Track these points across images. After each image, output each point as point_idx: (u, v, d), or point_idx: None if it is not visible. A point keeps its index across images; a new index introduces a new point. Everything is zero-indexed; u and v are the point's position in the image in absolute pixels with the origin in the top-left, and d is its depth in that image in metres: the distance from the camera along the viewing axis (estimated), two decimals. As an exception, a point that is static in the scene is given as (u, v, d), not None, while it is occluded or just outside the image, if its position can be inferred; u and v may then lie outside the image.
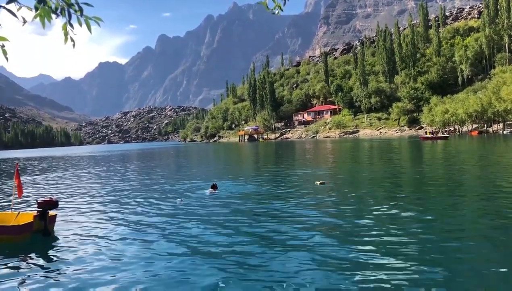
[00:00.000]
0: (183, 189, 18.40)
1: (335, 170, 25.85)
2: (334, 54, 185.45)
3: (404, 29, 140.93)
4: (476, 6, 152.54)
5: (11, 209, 12.61)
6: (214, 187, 17.30)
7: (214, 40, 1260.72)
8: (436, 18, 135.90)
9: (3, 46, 3.69)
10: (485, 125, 79.35)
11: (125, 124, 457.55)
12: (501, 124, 75.26)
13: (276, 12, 4.93)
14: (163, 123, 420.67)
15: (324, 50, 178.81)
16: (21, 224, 9.95)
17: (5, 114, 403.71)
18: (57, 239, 10.14)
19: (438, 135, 63.79)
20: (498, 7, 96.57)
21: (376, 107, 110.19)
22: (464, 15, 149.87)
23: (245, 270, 7.14)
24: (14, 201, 14.24)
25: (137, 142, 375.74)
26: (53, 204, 10.46)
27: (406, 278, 6.41)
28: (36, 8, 3.67)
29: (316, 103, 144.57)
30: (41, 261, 8.56)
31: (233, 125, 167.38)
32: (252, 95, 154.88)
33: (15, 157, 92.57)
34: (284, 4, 4.81)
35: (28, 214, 10.85)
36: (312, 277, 6.66)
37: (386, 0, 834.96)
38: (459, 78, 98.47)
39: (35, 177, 30.60)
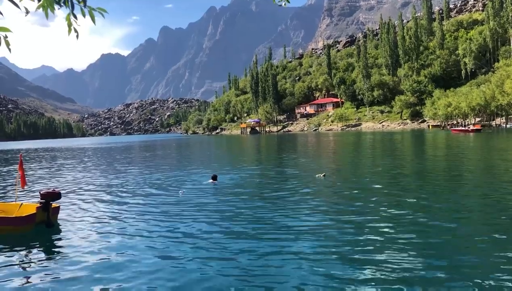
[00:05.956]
0: (185, 181, 18.44)
1: (339, 163, 25.82)
2: (337, 47, 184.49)
3: (408, 21, 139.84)
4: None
5: (14, 199, 12.67)
6: (214, 178, 17.40)
7: (217, 32, 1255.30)
8: (440, 11, 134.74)
9: (6, 37, 3.67)
10: (490, 119, 78.92)
11: (127, 116, 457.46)
12: (504, 118, 74.90)
13: (283, 3, 4.88)
14: (165, 116, 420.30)
15: (327, 43, 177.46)
16: (24, 215, 9.99)
17: (7, 106, 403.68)
18: (60, 230, 10.18)
19: (471, 128, 61.35)
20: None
21: (379, 101, 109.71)
22: (469, 8, 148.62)
23: (245, 263, 7.17)
24: (18, 192, 14.29)
25: (139, 134, 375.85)
26: (56, 196, 10.48)
27: (407, 274, 6.42)
28: (39, -2, 3.65)
29: (318, 96, 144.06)
30: (44, 252, 8.60)
31: (235, 118, 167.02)
32: (255, 88, 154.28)
33: (18, 148, 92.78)
34: (292, -5, 4.76)
35: (31, 205, 10.89)
36: (311, 271, 6.68)
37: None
38: (462, 72, 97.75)
39: (38, 168, 30.68)
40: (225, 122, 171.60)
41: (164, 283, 6.43)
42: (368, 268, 6.58)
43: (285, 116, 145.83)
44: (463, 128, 63.07)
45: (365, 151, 35.98)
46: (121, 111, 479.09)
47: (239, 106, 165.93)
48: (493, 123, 76.60)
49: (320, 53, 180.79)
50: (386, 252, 7.28)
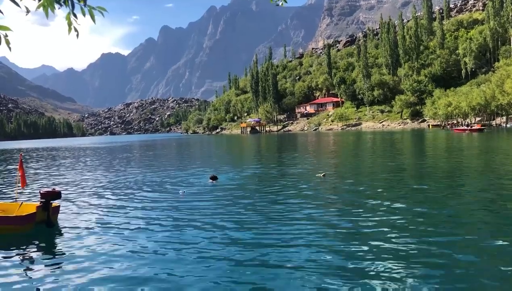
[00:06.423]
0: (186, 180, 18.43)
1: (339, 162, 25.80)
2: (337, 46, 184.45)
3: (408, 21, 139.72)
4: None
5: (14, 199, 12.67)
6: (214, 178, 17.48)
7: (217, 31, 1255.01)
8: (440, 10, 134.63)
9: (6, 36, 3.67)
10: (490, 118, 78.84)
11: (127, 115, 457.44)
12: (504, 117, 74.84)
13: (280, 3, 4.90)
14: (166, 115, 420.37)
15: (327, 42, 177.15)
16: (24, 214, 9.98)
17: (7, 105, 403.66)
18: (60, 229, 10.18)
19: (473, 127, 60.71)
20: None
21: (379, 100, 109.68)
22: (469, 7, 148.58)
23: (243, 264, 7.16)
24: (18, 191, 14.29)
25: (139, 133, 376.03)
26: (56, 195, 10.47)
27: (407, 275, 6.42)
28: (38, -2, 3.64)
29: (318, 95, 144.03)
30: (44, 252, 8.60)
31: (236, 118, 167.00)
32: (255, 87, 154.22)
33: (18, 147, 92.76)
34: (289, -5, 4.77)
35: (31, 205, 10.88)
36: (309, 271, 6.68)
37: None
38: (462, 71, 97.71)
39: (39, 167, 30.69)
40: (225, 122, 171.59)
41: (163, 283, 6.43)
42: (368, 268, 6.57)
43: (285, 115, 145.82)
44: (466, 127, 62.60)
45: (365, 150, 35.96)
46: (121, 111, 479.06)
47: (239, 106, 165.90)
48: (493, 123, 76.55)
49: (320, 52, 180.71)
50: (386, 252, 7.27)
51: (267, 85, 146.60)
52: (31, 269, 7.42)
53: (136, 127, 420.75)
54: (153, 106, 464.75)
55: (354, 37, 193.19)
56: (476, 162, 21.98)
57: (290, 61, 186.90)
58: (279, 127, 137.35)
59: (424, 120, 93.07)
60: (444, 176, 17.09)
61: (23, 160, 11.42)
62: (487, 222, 9.16)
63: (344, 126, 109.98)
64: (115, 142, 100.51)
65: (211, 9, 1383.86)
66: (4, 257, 8.11)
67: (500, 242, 7.53)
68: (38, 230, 9.92)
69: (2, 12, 3.80)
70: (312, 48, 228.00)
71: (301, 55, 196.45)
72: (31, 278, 7.00)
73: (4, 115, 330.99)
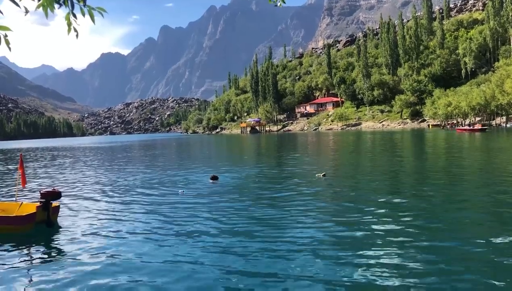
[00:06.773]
0: (185, 180, 18.42)
1: (339, 162, 25.80)
2: (337, 46, 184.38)
3: (408, 21, 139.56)
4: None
5: (14, 199, 12.67)
6: (214, 178, 17.49)
7: (217, 31, 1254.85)
8: (440, 10, 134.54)
9: (5, 36, 3.66)
10: (490, 118, 78.79)
11: (127, 115, 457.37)
12: (504, 117, 74.81)
13: (279, 4, 4.91)
14: (166, 115, 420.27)
15: (327, 42, 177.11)
16: (24, 214, 9.99)
17: (7, 105, 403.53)
18: (60, 229, 10.18)
19: (475, 127, 60.27)
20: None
21: (379, 100, 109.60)
22: (469, 7, 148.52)
23: (246, 263, 7.16)
24: (18, 191, 14.29)
25: (139, 133, 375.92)
26: (56, 195, 10.48)
27: (406, 276, 6.42)
28: (38, -3, 3.63)
29: (318, 95, 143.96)
30: (44, 252, 8.60)
31: (235, 117, 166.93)
32: (255, 87, 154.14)
33: (18, 147, 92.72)
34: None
35: (31, 205, 10.89)
36: (308, 272, 6.68)
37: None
38: (462, 71, 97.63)
39: (39, 167, 30.68)
40: (225, 122, 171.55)
41: (163, 283, 6.42)
42: (368, 269, 6.57)
43: (285, 115, 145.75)
44: (468, 127, 62.36)
45: (365, 150, 35.94)
46: (121, 111, 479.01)
47: (239, 106, 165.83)
48: (493, 123, 76.52)
49: (320, 52, 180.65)
50: (386, 253, 7.27)
51: (267, 85, 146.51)
52: (31, 269, 7.41)
53: (136, 127, 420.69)
54: (153, 106, 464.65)
55: (354, 37, 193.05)
56: (482, 162, 21.97)
57: (290, 61, 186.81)
58: (279, 127, 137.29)
59: (424, 120, 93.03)
60: (448, 176, 17.08)
61: (23, 160, 11.42)
62: (490, 223, 9.15)
63: (344, 126, 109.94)
64: (115, 142, 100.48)
65: (211, 9, 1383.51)
66: (4, 257, 8.11)
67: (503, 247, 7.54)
68: (38, 230, 9.92)
69: (1, 13, 3.80)
70: (312, 48, 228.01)
71: (301, 55, 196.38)
72: (31, 278, 6.99)
73: (4, 115, 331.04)
